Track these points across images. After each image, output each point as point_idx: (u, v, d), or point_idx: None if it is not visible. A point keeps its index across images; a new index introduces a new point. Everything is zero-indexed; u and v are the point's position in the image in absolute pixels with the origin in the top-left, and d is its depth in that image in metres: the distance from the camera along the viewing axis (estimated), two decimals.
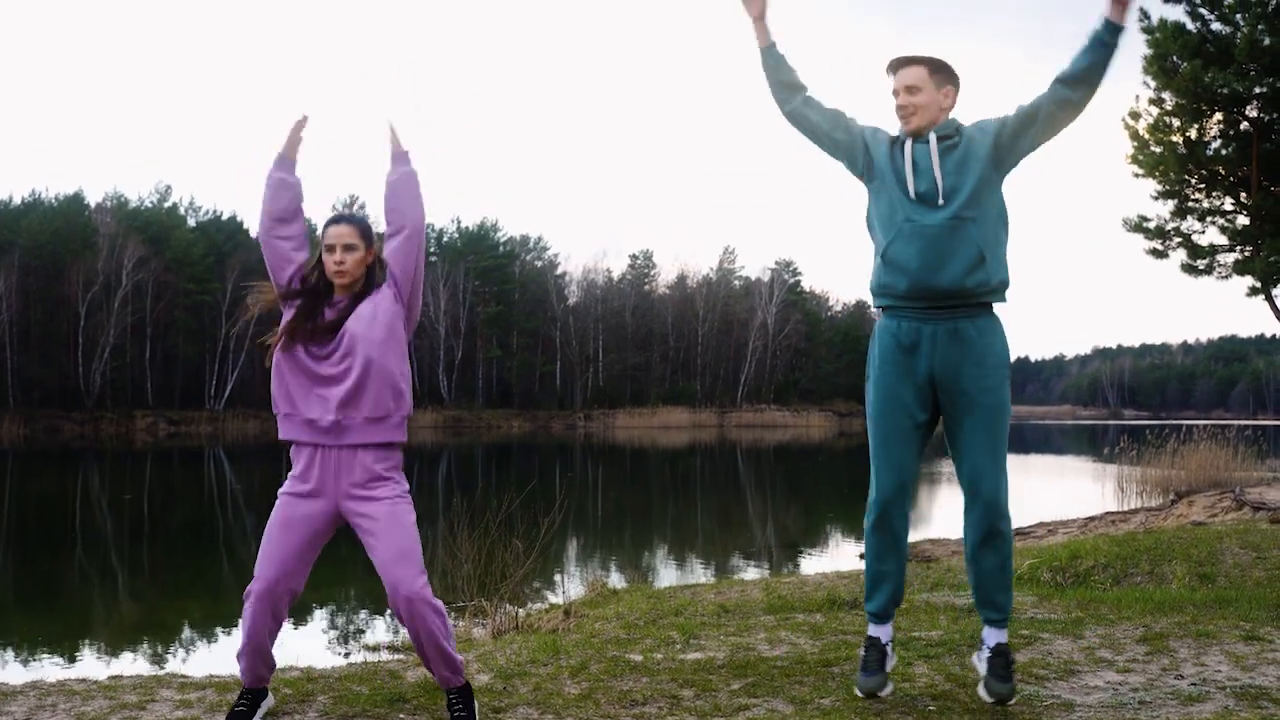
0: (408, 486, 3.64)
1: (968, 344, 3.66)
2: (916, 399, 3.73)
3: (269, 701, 3.70)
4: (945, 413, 3.75)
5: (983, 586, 3.77)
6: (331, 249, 3.62)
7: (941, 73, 3.74)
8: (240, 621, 3.61)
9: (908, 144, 3.72)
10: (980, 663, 3.76)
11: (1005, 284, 3.72)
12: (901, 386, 3.73)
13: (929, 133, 3.72)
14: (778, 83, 4.00)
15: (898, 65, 3.76)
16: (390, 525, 3.51)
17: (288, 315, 3.64)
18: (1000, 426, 3.69)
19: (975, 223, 3.63)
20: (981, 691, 3.70)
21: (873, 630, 3.87)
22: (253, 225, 78.29)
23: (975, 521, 3.71)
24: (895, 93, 3.75)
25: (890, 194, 3.71)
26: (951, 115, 3.77)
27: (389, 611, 9.89)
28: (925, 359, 3.69)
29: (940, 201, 3.63)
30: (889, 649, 3.84)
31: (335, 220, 3.67)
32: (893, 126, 3.87)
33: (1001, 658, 3.68)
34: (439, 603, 3.55)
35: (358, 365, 3.52)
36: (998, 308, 3.78)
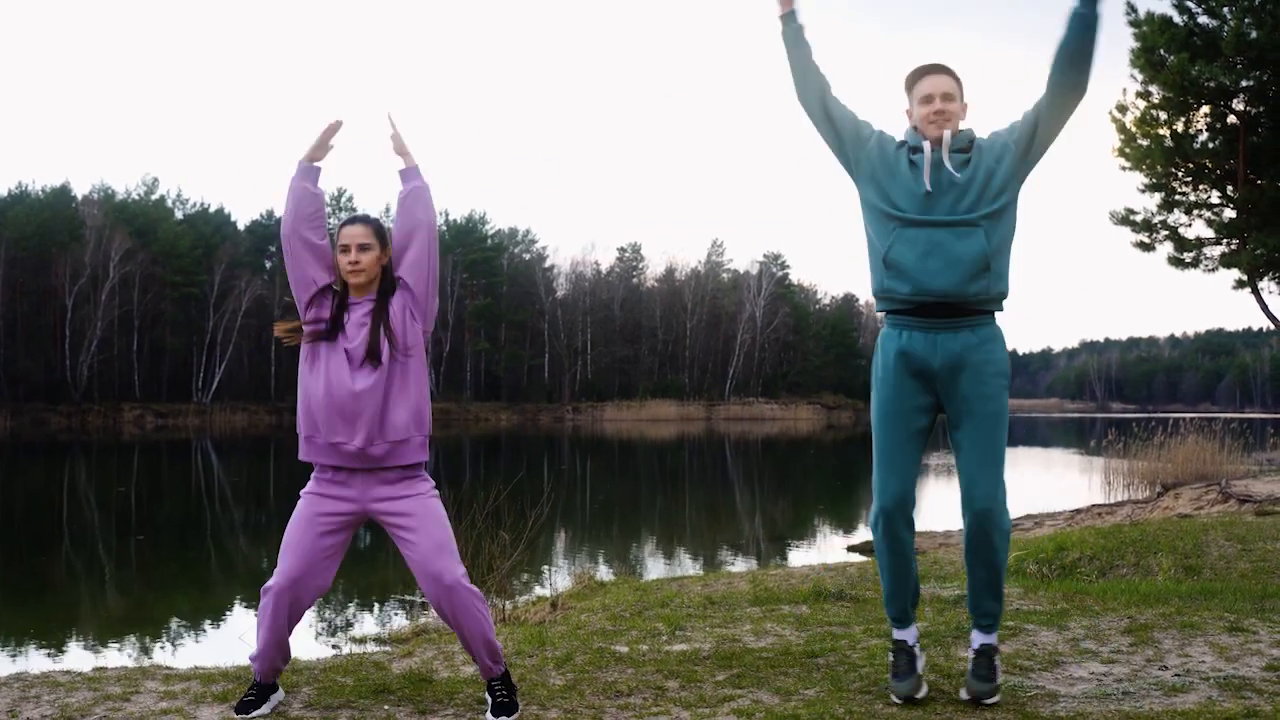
0: (433, 482, 3.68)
1: (968, 352, 3.64)
2: (918, 406, 3.72)
3: (279, 695, 3.72)
4: (948, 415, 3.75)
5: (974, 591, 3.76)
6: (346, 249, 3.61)
7: (961, 86, 3.76)
8: (258, 616, 3.62)
9: (926, 147, 3.66)
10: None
11: (1004, 295, 3.69)
12: (904, 395, 3.71)
13: (944, 140, 3.69)
14: (798, 65, 3.86)
15: (932, 71, 3.73)
16: (426, 519, 3.56)
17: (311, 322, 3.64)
18: (997, 435, 3.67)
19: (986, 231, 3.60)
20: (962, 692, 3.72)
21: (897, 634, 3.82)
22: (240, 217, 78.28)
23: (969, 528, 3.68)
24: (929, 99, 3.69)
25: (898, 196, 3.66)
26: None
27: (375, 602, 9.86)
28: (927, 366, 3.67)
29: (952, 206, 3.60)
30: (917, 650, 3.80)
31: (350, 221, 3.67)
32: (892, 130, 3.84)
33: (984, 658, 3.68)
34: (478, 590, 3.58)
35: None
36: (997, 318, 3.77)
